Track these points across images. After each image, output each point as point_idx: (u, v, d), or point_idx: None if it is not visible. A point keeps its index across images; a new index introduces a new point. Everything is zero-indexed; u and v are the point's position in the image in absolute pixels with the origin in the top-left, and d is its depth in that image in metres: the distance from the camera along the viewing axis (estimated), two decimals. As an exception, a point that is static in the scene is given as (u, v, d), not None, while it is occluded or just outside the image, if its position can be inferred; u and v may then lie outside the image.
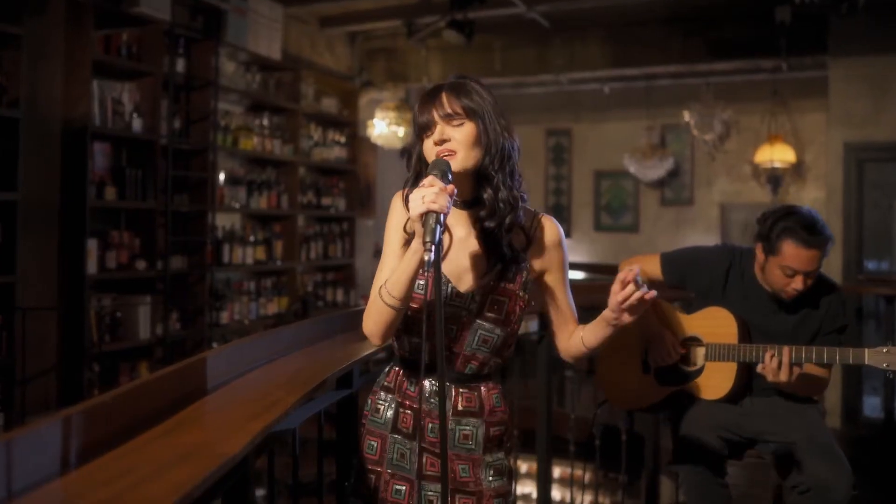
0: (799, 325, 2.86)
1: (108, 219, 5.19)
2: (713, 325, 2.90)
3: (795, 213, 2.78)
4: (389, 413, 1.91)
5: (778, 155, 7.51)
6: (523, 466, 5.40)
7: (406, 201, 1.80)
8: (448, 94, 1.78)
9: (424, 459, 1.85)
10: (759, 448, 2.96)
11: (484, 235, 1.81)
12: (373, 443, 1.92)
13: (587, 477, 5.11)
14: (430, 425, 1.84)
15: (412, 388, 1.88)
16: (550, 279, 1.90)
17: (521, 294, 1.83)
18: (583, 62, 7.42)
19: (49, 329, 4.64)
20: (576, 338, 1.92)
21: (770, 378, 2.66)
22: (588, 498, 4.99)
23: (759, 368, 2.69)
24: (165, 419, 1.70)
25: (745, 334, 2.86)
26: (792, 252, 2.71)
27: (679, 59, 7.07)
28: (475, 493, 1.86)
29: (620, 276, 1.72)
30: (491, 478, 1.87)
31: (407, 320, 1.85)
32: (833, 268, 6.31)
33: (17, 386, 4.36)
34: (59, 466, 1.38)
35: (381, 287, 1.78)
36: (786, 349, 2.63)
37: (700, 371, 2.93)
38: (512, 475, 1.94)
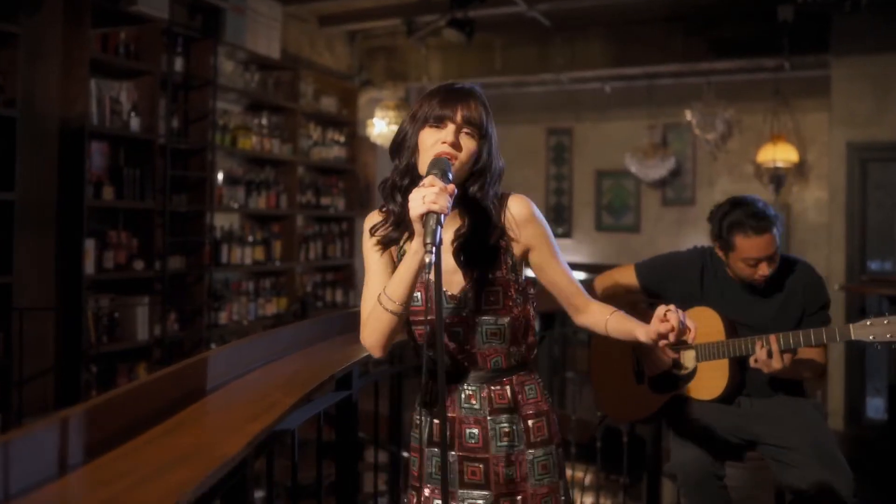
0: (782, 311, 2.88)
1: (105, 219, 5.16)
2: (699, 325, 2.87)
3: (737, 205, 2.86)
4: (426, 427, 1.89)
5: (780, 155, 7.48)
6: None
7: (397, 205, 1.82)
8: (476, 103, 1.77)
9: (465, 467, 1.83)
10: (759, 449, 2.94)
11: (467, 243, 1.81)
12: (414, 459, 1.91)
13: (588, 479, 5.09)
14: (467, 431, 1.83)
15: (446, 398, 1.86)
16: (535, 257, 1.87)
17: (511, 277, 1.82)
18: (584, 61, 7.40)
19: (46, 330, 4.61)
20: (598, 319, 1.91)
21: (765, 370, 2.66)
22: (589, 500, 4.95)
23: (751, 363, 2.69)
24: (164, 420, 1.71)
25: (732, 330, 2.87)
26: (746, 244, 2.78)
27: (680, 57, 7.04)
28: (520, 494, 1.83)
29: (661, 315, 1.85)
30: (538, 475, 1.84)
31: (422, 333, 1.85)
32: (836, 268, 6.29)
33: (14, 387, 4.32)
34: (57, 468, 1.38)
35: (380, 294, 1.76)
36: (772, 337, 2.64)
37: (693, 373, 2.94)
38: (562, 468, 1.91)
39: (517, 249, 1.84)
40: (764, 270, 2.80)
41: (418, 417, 1.92)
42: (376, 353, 1.83)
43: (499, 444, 1.83)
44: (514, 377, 1.86)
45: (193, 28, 5.77)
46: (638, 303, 3.13)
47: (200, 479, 1.36)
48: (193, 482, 1.34)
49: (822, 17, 6.26)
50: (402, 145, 1.82)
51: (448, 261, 1.81)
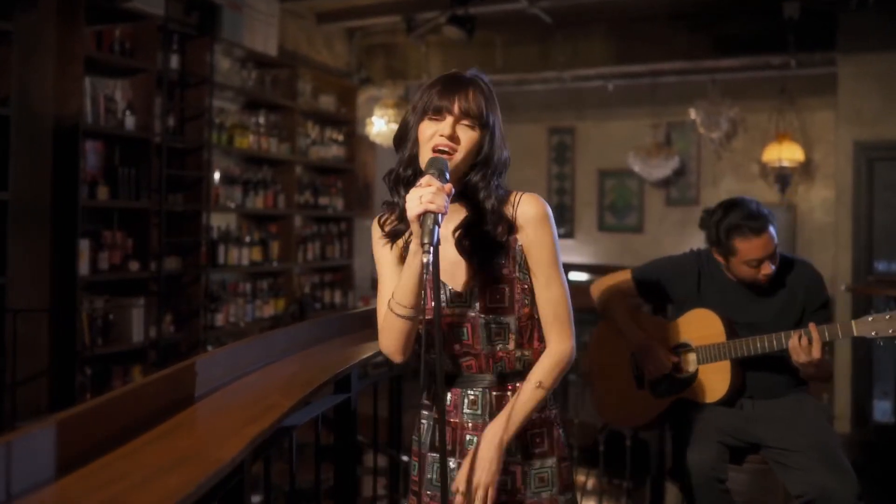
0: (783, 309, 2.88)
1: (100, 219, 5.11)
2: (699, 327, 2.93)
3: (730, 208, 2.87)
4: (427, 432, 1.86)
5: (786, 153, 7.43)
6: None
7: (401, 197, 1.78)
8: (476, 92, 1.73)
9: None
10: (763, 453, 2.91)
11: (470, 233, 1.77)
12: (415, 463, 1.88)
13: (591, 483, 5.04)
14: (467, 437, 1.78)
15: (447, 402, 1.82)
16: (530, 261, 1.78)
17: (519, 276, 1.77)
18: (586, 59, 7.34)
19: (40, 331, 4.55)
20: (533, 369, 1.79)
21: (803, 358, 2.63)
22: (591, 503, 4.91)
23: (792, 355, 2.65)
24: (159, 424, 1.70)
25: (732, 330, 2.87)
26: (746, 246, 2.79)
27: (684, 55, 7.00)
28: None
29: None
30: (535, 488, 1.79)
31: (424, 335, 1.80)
32: (842, 269, 6.25)
33: (7, 389, 4.28)
34: (51, 472, 1.37)
35: (389, 301, 1.74)
36: (811, 325, 2.65)
37: (694, 376, 2.93)
38: (566, 484, 1.83)
39: (524, 248, 1.79)
40: (767, 269, 2.80)
41: (423, 420, 1.88)
42: (396, 358, 1.80)
43: None
44: (520, 383, 1.79)
45: (189, 25, 5.72)
46: (639, 307, 3.13)
47: (198, 482, 1.35)
48: (189, 486, 1.33)
49: (829, 15, 6.24)
50: (405, 136, 1.80)
51: (452, 256, 1.77)
